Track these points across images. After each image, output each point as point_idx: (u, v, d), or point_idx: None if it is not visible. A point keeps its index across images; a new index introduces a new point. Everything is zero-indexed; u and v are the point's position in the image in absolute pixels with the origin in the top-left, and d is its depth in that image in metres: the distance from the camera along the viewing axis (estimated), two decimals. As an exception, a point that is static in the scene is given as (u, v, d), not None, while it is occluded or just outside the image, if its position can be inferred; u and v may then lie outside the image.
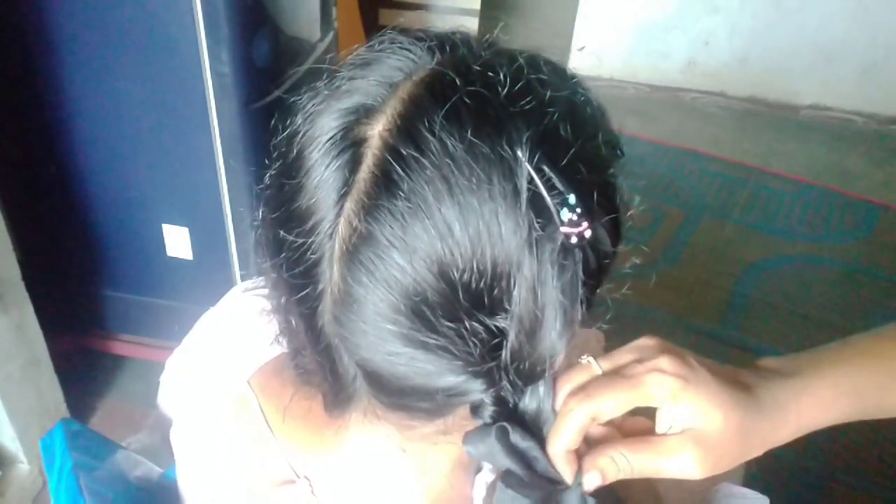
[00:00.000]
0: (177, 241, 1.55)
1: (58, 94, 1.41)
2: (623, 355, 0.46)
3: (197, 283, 1.59)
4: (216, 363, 0.59)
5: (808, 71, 3.04)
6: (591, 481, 0.43)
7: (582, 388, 0.44)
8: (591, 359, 0.46)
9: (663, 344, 0.46)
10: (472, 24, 3.15)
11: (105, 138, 1.45)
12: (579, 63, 3.16)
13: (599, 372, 0.45)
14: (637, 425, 0.45)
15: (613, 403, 0.43)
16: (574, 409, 0.43)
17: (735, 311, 2.15)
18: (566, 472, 0.43)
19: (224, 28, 1.27)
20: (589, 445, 0.44)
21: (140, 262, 1.61)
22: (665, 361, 0.44)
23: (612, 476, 0.43)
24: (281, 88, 1.43)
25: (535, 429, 0.44)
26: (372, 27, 2.86)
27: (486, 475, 0.51)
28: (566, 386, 0.44)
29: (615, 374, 0.45)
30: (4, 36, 1.37)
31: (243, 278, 1.53)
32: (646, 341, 0.46)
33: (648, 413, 0.46)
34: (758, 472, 0.68)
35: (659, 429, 0.44)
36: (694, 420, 0.43)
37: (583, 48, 3.21)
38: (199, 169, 1.43)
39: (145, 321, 1.71)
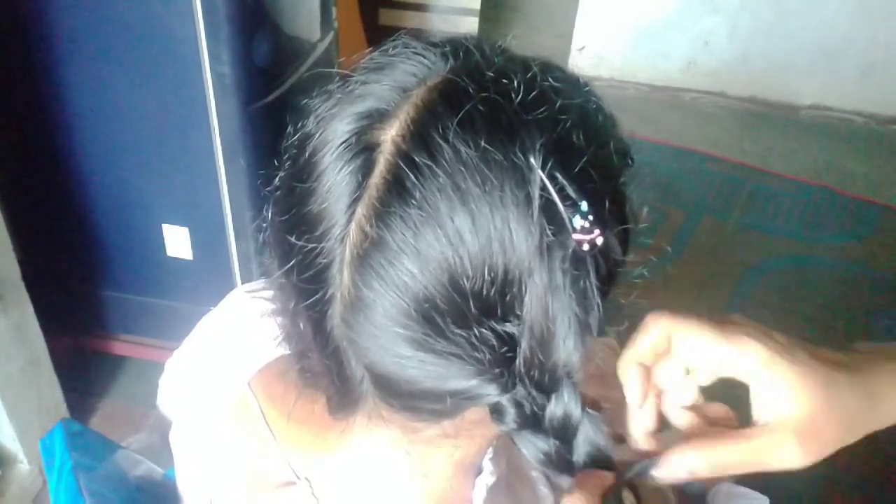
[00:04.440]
0: (177, 241, 1.55)
1: (58, 94, 1.41)
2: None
3: (197, 283, 1.59)
4: (216, 365, 0.59)
5: (808, 71, 3.04)
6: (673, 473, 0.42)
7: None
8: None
9: (745, 319, 0.43)
10: (472, 25, 3.16)
11: (105, 138, 1.45)
12: (579, 63, 3.15)
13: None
14: (719, 412, 0.44)
15: (701, 356, 0.42)
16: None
17: (735, 311, 2.13)
18: (651, 446, 0.43)
19: (224, 28, 1.27)
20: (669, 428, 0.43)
21: (140, 262, 1.61)
22: (752, 330, 0.42)
23: (705, 475, 0.41)
24: (281, 88, 1.43)
25: (562, 436, 0.42)
26: (372, 27, 2.85)
27: (487, 478, 0.51)
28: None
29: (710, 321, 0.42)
30: (4, 36, 1.37)
31: (243, 278, 1.54)
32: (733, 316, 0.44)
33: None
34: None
35: (754, 414, 0.41)
36: (789, 402, 0.40)
37: (583, 48, 3.21)
38: (199, 169, 1.43)
39: (145, 321, 1.70)
